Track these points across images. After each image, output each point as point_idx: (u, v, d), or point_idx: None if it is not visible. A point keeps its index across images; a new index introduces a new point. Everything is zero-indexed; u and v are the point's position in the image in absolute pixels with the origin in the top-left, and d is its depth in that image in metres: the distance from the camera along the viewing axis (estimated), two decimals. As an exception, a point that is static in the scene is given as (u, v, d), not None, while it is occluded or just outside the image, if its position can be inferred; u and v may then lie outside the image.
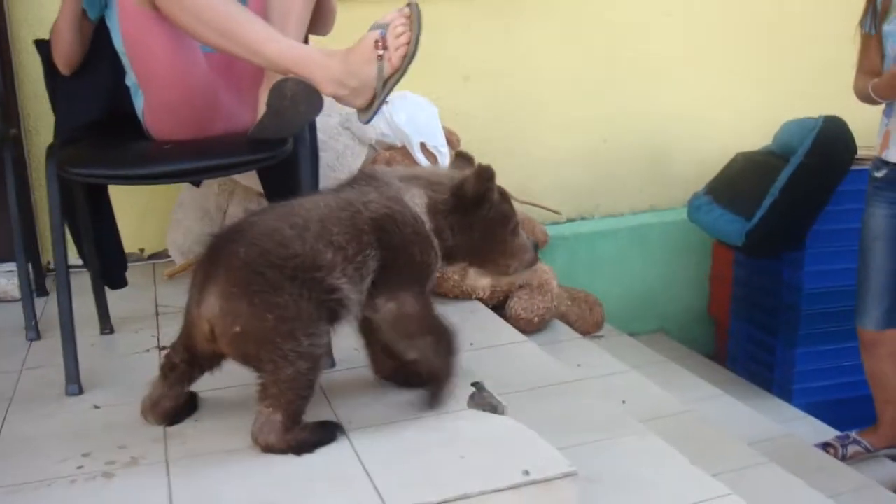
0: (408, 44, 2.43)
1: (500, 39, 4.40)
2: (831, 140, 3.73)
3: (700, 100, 4.74)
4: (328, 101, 3.82)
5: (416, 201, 2.31)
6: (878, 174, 3.28)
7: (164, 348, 2.75)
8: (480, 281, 3.77)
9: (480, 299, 3.76)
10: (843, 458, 3.54)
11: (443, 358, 2.38)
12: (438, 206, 2.32)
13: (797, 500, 2.71)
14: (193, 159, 2.56)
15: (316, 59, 2.42)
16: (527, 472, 2.08)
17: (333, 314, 2.17)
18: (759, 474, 2.77)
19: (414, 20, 2.42)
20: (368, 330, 2.43)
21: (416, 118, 3.96)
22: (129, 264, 3.27)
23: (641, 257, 4.67)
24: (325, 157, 3.71)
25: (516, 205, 4.00)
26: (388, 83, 2.47)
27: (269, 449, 2.15)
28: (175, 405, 2.34)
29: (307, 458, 2.14)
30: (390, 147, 4.00)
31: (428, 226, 2.30)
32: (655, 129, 4.72)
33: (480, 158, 4.26)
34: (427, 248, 2.30)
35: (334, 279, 2.13)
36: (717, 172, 4.25)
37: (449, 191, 2.34)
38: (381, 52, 2.43)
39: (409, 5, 2.46)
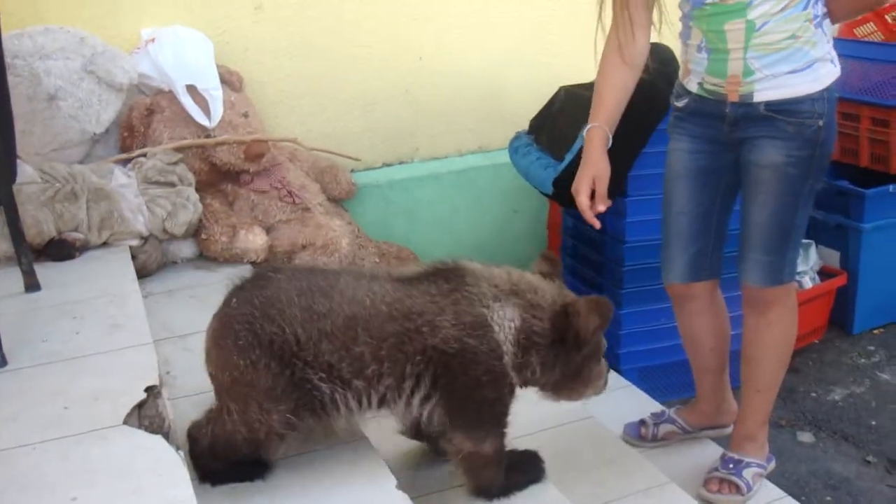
0: None
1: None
2: (652, 71, 3.24)
3: (534, 25, 4.26)
4: (69, 42, 3.32)
5: (507, 325, 2.03)
6: (679, 103, 2.81)
7: None
8: (253, 243, 3.30)
9: (253, 263, 3.30)
10: (655, 439, 3.13)
11: (496, 483, 2.22)
12: (533, 337, 2.06)
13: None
14: None
15: None
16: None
17: (312, 404, 1.99)
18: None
19: None
20: None
21: (184, 57, 3.47)
22: None
23: (469, 204, 4.21)
24: (65, 106, 3.25)
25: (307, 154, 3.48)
26: None
27: (190, 450, 2.07)
28: None
29: None
30: (158, 92, 3.50)
31: (507, 359, 2.04)
32: (486, 60, 4.23)
33: (276, 101, 3.88)
34: (501, 384, 2.06)
35: (316, 379, 1.96)
36: (540, 109, 3.75)
37: (549, 319, 2.07)
38: None
39: None
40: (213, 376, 2.06)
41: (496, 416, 2.12)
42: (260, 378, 1.93)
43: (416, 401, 2.02)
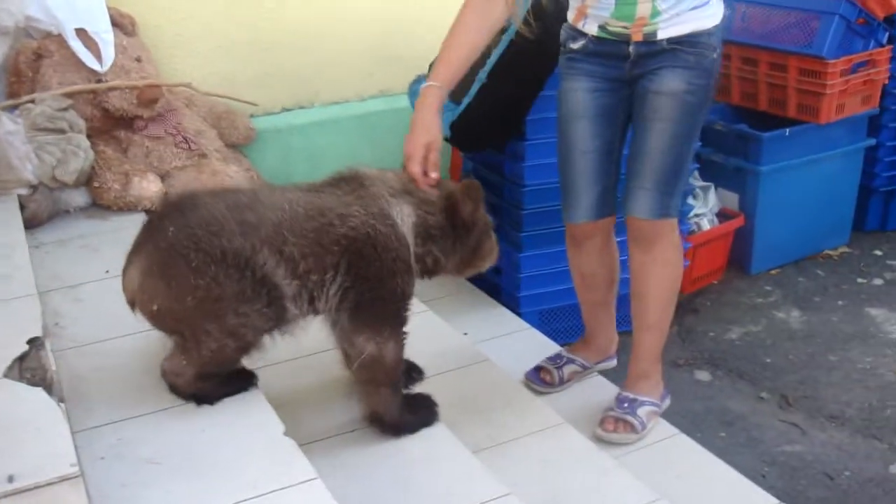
0: None
1: None
2: (549, 13, 3.21)
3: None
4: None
5: (406, 220, 2.19)
6: (575, 45, 2.79)
7: None
8: (147, 190, 3.25)
9: (147, 211, 3.25)
10: (562, 382, 3.15)
11: (390, 409, 2.29)
12: (430, 230, 2.24)
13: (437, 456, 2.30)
14: None
15: None
16: (11, 478, 1.66)
17: (275, 303, 2.05)
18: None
19: None
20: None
21: (74, -3, 3.35)
22: None
23: (371, 149, 4.14)
24: (-52, 49, 3.11)
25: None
26: None
27: (174, 389, 2.11)
28: None
29: None
30: (46, 35, 3.40)
31: (411, 251, 2.20)
32: (386, 2, 4.18)
33: (171, 45, 3.79)
34: (408, 276, 2.20)
35: (275, 276, 2.03)
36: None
37: (441, 211, 2.26)
38: None
39: None
40: (163, 312, 2.03)
41: (400, 315, 2.23)
42: (225, 288, 1.97)
43: (333, 290, 2.10)
